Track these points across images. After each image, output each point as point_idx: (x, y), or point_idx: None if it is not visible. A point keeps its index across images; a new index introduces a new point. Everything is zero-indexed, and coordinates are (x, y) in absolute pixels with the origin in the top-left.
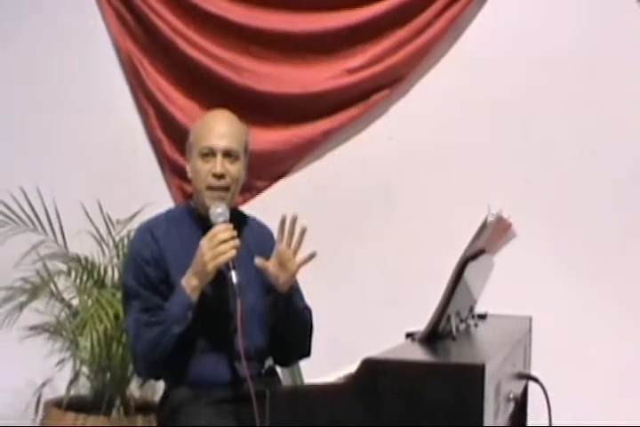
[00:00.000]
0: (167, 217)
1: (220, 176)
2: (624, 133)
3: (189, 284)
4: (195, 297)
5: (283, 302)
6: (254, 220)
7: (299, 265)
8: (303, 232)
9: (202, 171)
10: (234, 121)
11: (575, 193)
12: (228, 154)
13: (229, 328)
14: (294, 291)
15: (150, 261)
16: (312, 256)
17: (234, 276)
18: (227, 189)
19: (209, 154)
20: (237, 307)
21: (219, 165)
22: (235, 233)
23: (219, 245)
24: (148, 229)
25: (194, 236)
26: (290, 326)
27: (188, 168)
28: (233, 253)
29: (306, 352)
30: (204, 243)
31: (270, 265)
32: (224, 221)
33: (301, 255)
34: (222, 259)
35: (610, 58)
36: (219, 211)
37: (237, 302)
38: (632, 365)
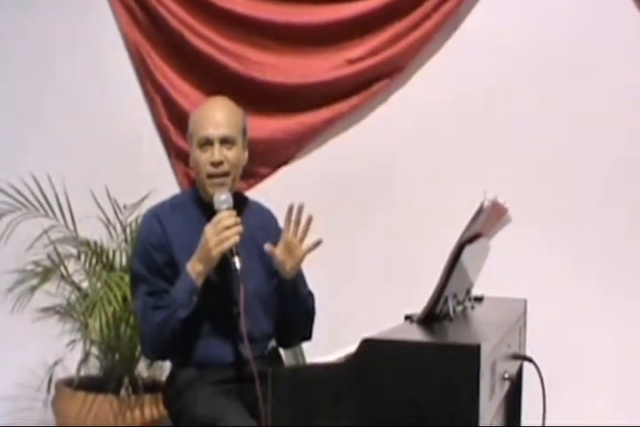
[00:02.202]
0: (172, 203)
1: (218, 164)
2: (618, 123)
3: (194, 269)
4: (199, 282)
5: (288, 287)
6: (256, 203)
7: (305, 252)
8: (309, 221)
9: (201, 160)
10: (228, 108)
11: (570, 179)
12: (224, 141)
13: (233, 312)
14: (298, 276)
15: (157, 246)
16: (318, 243)
17: (237, 261)
18: (227, 174)
19: (206, 143)
20: (240, 292)
21: (216, 153)
22: (238, 220)
23: (223, 231)
24: (155, 214)
25: (199, 221)
26: (293, 310)
27: (190, 156)
28: (236, 238)
29: (307, 335)
30: (209, 229)
31: (278, 251)
32: (228, 208)
33: (307, 242)
34: (226, 245)
35: (605, 50)
36: (222, 198)
37: (240, 287)
38: (624, 345)
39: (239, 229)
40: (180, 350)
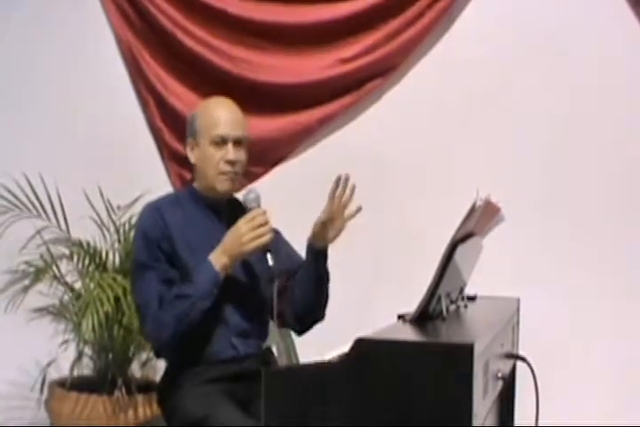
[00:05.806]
0: (171, 199)
1: (233, 163)
2: (612, 120)
3: (219, 261)
4: (223, 275)
5: (320, 259)
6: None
7: (346, 220)
8: (353, 190)
9: (214, 157)
10: (238, 109)
11: (563, 178)
12: (238, 142)
13: (229, 307)
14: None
15: (161, 237)
16: (359, 210)
17: (269, 258)
18: (236, 173)
19: (221, 142)
20: (274, 288)
21: (231, 152)
22: (269, 218)
23: (258, 227)
24: (156, 208)
25: (198, 217)
26: (320, 287)
27: (192, 154)
28: (270, 236)
29: (321, 317)
30: (243, 224)
31: (316, 227)
32: (259, 206)
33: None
34: (261, 241)
35: (602, 46)
36: (252, 196)
37: (275, 282)
38: (617, 344)
39: (271, 227)
40: (187, 345)
